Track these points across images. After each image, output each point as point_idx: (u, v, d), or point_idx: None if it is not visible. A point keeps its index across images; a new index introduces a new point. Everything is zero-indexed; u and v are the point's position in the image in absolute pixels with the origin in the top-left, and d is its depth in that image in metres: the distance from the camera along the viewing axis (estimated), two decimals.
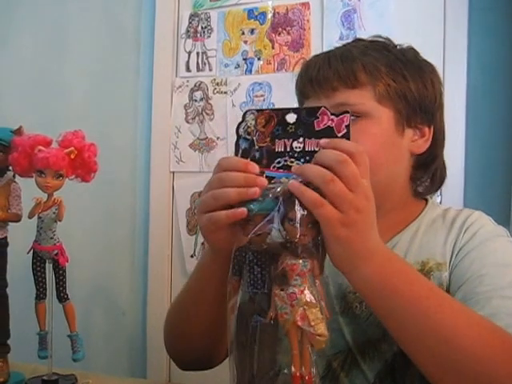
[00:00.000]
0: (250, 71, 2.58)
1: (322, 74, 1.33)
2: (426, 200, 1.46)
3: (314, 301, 0.96)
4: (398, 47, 1.40)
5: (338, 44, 1.47)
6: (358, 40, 1.46)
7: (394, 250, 1.30)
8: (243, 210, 0.98)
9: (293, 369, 0.96)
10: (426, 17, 2.36)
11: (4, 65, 2.86)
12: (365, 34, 2.35)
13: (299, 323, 0.95)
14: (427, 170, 1.41)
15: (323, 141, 1.00)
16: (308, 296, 0.95)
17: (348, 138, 1.00)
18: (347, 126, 1.01)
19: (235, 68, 2.62)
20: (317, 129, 1.01)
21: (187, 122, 2.69)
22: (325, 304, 0.98)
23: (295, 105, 1.42)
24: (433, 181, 1.43)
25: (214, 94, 2.65)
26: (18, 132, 1.33)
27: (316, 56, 1.42)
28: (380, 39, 1.42)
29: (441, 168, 1.44)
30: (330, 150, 0.98)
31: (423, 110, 1.35)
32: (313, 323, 0.95)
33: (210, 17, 2.66)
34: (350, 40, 1.50)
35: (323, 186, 0.95)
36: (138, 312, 2.75)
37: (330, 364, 1.33)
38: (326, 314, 0.97)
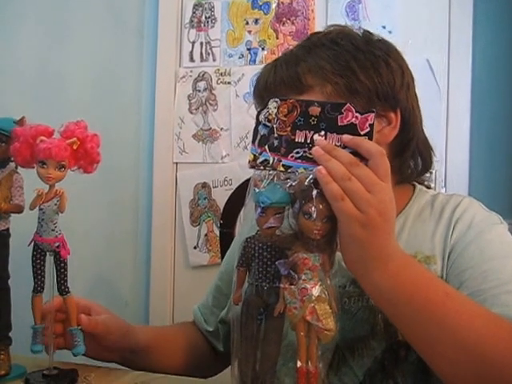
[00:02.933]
0: (254, 61, 2.57)
1: (270, 84, 1.31)
2: (414, 186, 1.42)
3: (323, 296, 0.95)
4: (350, 35, 1.34)
5: None
6: (310, 36, 1.41)
7: None
8: None
9: (299, 363, 0.96)
10: (431, 8, 2.35)
11: (6, 56, 2.84)
12: (369, 24, 2.37)
13: (308, 317, 0.95)
14: (403, 156, 1.33)
15: (345, 137, 0.99)
16: (318, 291, 0.95)
17: (370, 137, 1.00)
18: (371, 125, 1.00)
19: (239, 58, 2.61)
20: (340, 124, 1.01)
21: (191, 112, 2.68)
22: (334, 298, 0.97)
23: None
24: (417, 163, 1.38)
25: (217, 84, 2.64)
26: (21, 122, 1.32)
27: (265, 67, 1.38)
28: (333, 29, 1.37)
29: (421, 149, 1.37)
30: (344, 151, 0.98)
31: (381, 97, 1.27)
32: (321, 318, 0.95)
33: (213, 6, 2.65)
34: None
35: (341, 182, 0.95)
36: (141, 303, 2.75)
37: None
38: (335, 308, 0.97)
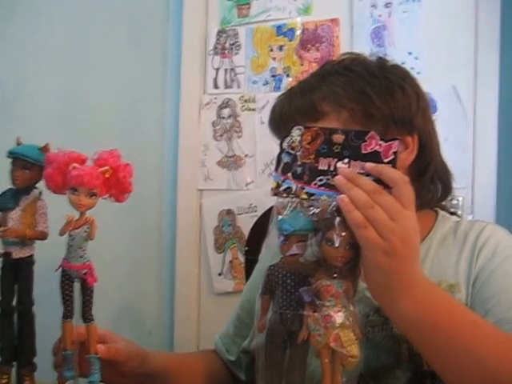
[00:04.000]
0: (279, 88, 2.57)
1: (285, 114, 1.31)
2: (437, 212, 1.40)
3: (347, 322, 0.94)
4: (364, 62, 1.35)
5: None
6: (324, 64, 1.42)
7: None
8: None
9: None
10: (457, 34, 2.34)
11: (30, 84, 2.87)
12: (395, 50, 2.36)
13: (332, 344, 0.94)
14: (422, 180, 1.32)
15: (369, 165, 0.99)
16: (342, 318, 0.94)
17: (394, 165, 0.99)
18: (395, 153, 1.00)
19: (263, 85, 2.61)
20: (363, 152, 1.00)
21: (215, 139, 2.68)
22: (358, 325, 0.97)
23: None
24: (436, 187, 1.36)
25: (242, 111, 2.64)
26: (45, 149, 1.32)
27: (279, 97, 1.41)
28: (347, 57, 1.38)
29: (440, 173, 1.36)
30: (367, 179, 0.98)
31: (398, 122, 1.27)
32: (345, 344, 0.94)
33: (237, 33, 2.66)
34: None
35: (364, 210, 0.94)
36: (165, 332, 2.73)
37: None
38: (359, 335, 0.96)
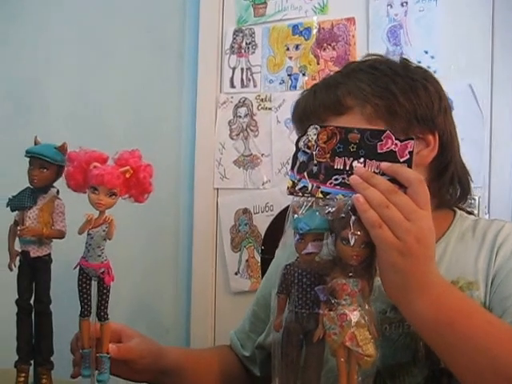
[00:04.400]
0: (295, 87, 2.57)
1: (309, 109, 1.33)
2: (454, 211, 1.41)
3: (363, 321, 0.95)
4: (388, 61, 1.37)
5: None
6: (347, 64, 1.44)
7: None
8: None
9: None
10: (473, 33, 2.33)
11: (48, 85, 2.89)
12: (411, 49, 2.36)
13: (347, 343, 0.95)
14: (442, 180, 1.34)
15: (384, 164, 1.00)
16: (357, 316, 0.95)
17: (410, 165, 1.00)
18: (410, 153, 1.00)
19: (280, 84, 2.61)
20: (379, 151, 1.01)
21: (231, 138, 2.68)
22: (374, 324, 0.97)
23: None
24: (455, 188, 1.37)
25: (258, 110, 2.64)
26: (62, 149, 1.33)
27: (303, 92, 1.42)
28: (370, 57, 1.40)
29: (460, 174, 1.37)
30: (382, 178, 0.98)
31: (420, 120, 1.29)
32: (361, 343, 0.95)
33: (254, 32, 2.66)
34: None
35: (379, 209, 0.95)
36: (182, 330, 2.74)
37: None
38: (374, 334, 0.96)
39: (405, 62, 1.37)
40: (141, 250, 2.76)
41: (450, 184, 1.36)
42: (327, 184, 1.01)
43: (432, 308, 0.99)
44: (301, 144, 1.04)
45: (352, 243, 0.95)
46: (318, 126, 1.04)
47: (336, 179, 1.01)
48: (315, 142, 1.03)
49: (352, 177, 0.99)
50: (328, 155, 1.02)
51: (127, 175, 1.20)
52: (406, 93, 1.29)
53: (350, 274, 0.96)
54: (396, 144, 1.00)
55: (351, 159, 1.01)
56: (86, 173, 1.20)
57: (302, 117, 1.34)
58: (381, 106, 1.27)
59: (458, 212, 1.41)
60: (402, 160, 1.00)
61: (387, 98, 1.28)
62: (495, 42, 2.30)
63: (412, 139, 1.01)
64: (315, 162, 1.03)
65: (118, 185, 1.19)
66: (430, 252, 1.00)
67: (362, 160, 1.01)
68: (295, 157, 1.04)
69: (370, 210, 0.94)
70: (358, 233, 0.95)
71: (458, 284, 1.25)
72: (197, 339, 2.67)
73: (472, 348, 1.00)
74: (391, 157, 1.00)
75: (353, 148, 1.01)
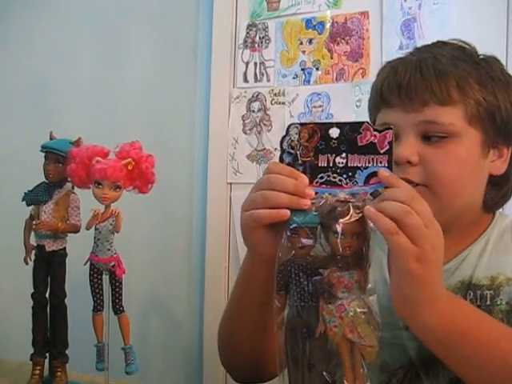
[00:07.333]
0: (309, 81, 2.56)
1: (414, 84, 1.26)
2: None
3: (361, 311, 0.95)
4: (481, 57, 1.34)
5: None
6: (441, 44, 1.39)
7: (463, 264, 1.29)
8: (286, 211, 0.98)
9: (345, 383, 0.96)
10: (487, 26, 2.31)
11: (63, 77, 2.90)
12: (425, 43, 2.33)
13: (349, 336, 0.95)
14: (500, 191, 1.35)
15: (381, 173, 0.98)
16: (356, 308, 0.95)
17: (390, 155, 0.99)
18: (390, 143, 0.99)
19: (293, 78, 2.60)
20: (359, 144, 1.00)
21: (245, 132, 2.68)
22: (372, 315, 0.97)
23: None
24: (503, 198, 1.37)
25: (271, 104, 2.63)
26: (77, 143, 1.34)
27: (402, 60, 1.34)
28: (464, 45, 1.36)
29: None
30: (406, 184, 0.98)
31: (507, 131, 1.28)
32: (362, 334, 0.95)
33: (267, 27, 2.65)
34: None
35: (403, 216, 0.94)
36: (195, 324, 2.74)
37: (389, 379, 1.30)
38: (374, 325, 0.96)
39: (500, 64, 1.36)
40: (154, 244, 2.76)
41: (502, 197, 1.37)
42: (313, 183, 1.01)
43: (442, 319, 1.00)
44: (284, 145, 1.03)
45: (342, 234, 0.95)
46: (298, 125, 1.02)
47: (321, 178, 1.00)
48: (298, 141, 1.02)
49: (366, 207, 0.96)
50: (312, 153, 1.01)
51: (129, 167, 1.21)
52: (505, 100, 1.28)
53: (346, 267, 0.96)
54: (375, 135, 0.99)
55: (334, 155, 1.01)
56: (88, 168, 1.21)
57: (402, 90, 1.27)
58: (483, 107, 1.25)
59: (498, 212, 1.41)
60: (382, 151, 0.99)
61: (490, 100, 1.26)
62: (510, 36, 2.28)
63: (390, 129, 0.99)
64: (300, 161, 1.02)
65: (122, 177, 1.19)
66: (441, 261, 1.00)
67: (343, 155, 1.00)
68: (281, 159, 1.04)
69: (384, 218, 0.94)
70: (348, 224, 0.95)
71: (498, 279, 1.26)
72: (210, 332, 2.66)
73: (485, 357, 1.01)
74: (371, 149, 0.99)
75: (334, 144, 1.01)
